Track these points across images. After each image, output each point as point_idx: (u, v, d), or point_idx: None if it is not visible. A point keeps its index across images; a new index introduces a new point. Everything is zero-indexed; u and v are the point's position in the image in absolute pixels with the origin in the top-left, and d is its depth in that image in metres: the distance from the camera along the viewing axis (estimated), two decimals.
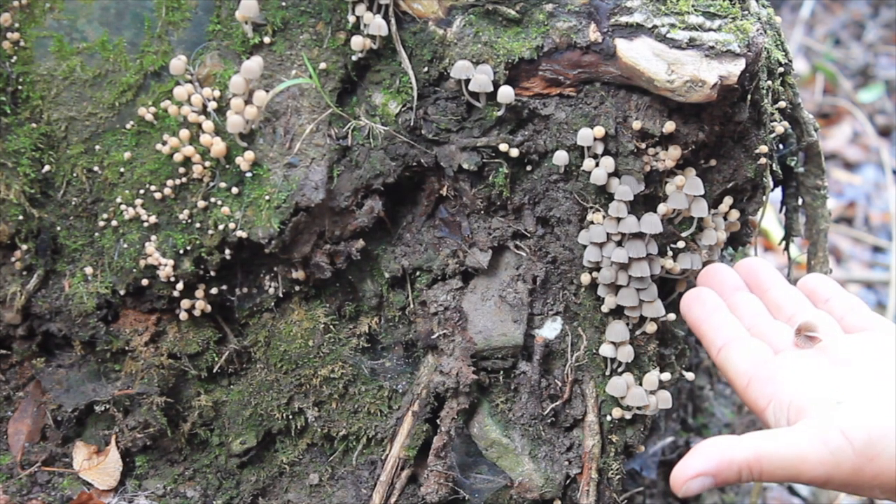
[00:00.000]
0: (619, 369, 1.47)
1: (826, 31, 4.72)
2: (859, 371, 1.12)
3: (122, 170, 1.41)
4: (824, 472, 1.03)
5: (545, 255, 1.48)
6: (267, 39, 1.38)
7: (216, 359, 1.51)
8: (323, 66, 1.39)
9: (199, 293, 1.46)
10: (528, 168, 1.43)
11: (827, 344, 1.19)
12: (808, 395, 1.11)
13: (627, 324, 1.45)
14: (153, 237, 1.42)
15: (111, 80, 1.39)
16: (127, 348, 1.48)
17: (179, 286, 1.43)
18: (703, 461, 1.05)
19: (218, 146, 1.37)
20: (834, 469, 1.03)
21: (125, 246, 1.43)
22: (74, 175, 1.42)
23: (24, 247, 1.44)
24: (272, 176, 1.39)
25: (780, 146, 1.58)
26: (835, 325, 1.24)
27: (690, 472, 1.05)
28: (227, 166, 1.39)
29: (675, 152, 1.38)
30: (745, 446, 1.05)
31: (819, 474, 1.04)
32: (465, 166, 1.41)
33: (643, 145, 1.37)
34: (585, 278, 1.44)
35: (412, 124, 1.41)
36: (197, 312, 1.47)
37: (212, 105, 1.37)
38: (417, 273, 1.51)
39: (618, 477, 1.49)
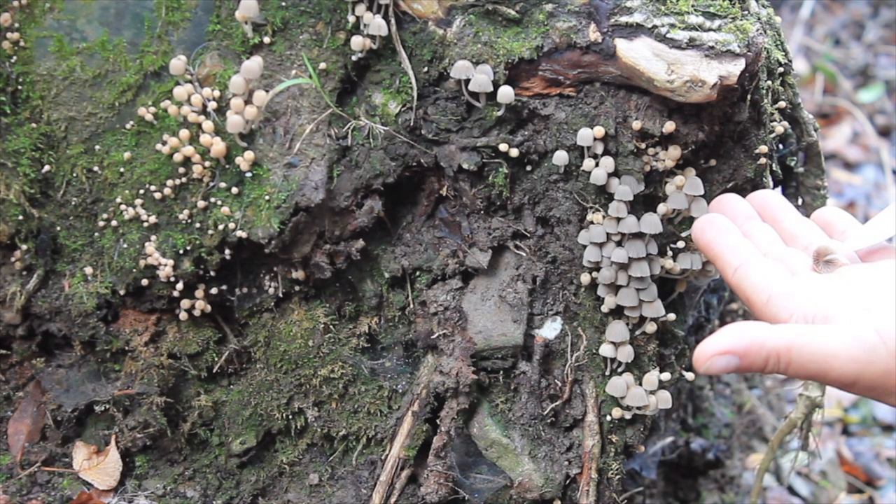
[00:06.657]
0: (619, 369, 1.47)
1: (826, 31, 4.72)
2: (883, 289, 1.07)
3: (122, 170, 1.41)
4: (854, 370, 0.99)
5: (545, 255, 1.48)
6: (267, 39, 1.38)
7: (216, 359, 1.51)
8: (323, 66, 1.39)
9: (199, 293, 1.46)
10: (528, 168, 1.43)
11: (846, 269, 1.14)
12: (834, 304, 1.06)
13: (627, 324, 1.45)
14: (153, 237, 1.42)
15: (111, 80, 1.39)
16: (127, 348, 1.48)
17: (179, 286, 1.43)
18: (732, 339, 0.99)
19: (218, 146, 1.37)
20: (865, 368, 0.99)
21: (125, 246, 1.43)
22: (74, 175, 1.42)
23: (24, 247, 1.44)
24: (272, 176, 1.39)
25: (780, 146, 1.58)
26: (853, 255, 1.18)
27: (717, 348, 0.99)
28: (227, 166, 1.39)
29: (675, 152, 1.38)
30: (778, 333, 1.00)
31: (848, 373, 0.99)
32: (465, 166, 1.41)
33: (643, 145, 1.37)
34: (585, 278, 1.44)
35: (412, 124, 1.41)
36: (197, 312, 1.47)
37: (212, 105, 1.37)
38: (417, 273, 1.51)
39: (618, 477, 1.49)
